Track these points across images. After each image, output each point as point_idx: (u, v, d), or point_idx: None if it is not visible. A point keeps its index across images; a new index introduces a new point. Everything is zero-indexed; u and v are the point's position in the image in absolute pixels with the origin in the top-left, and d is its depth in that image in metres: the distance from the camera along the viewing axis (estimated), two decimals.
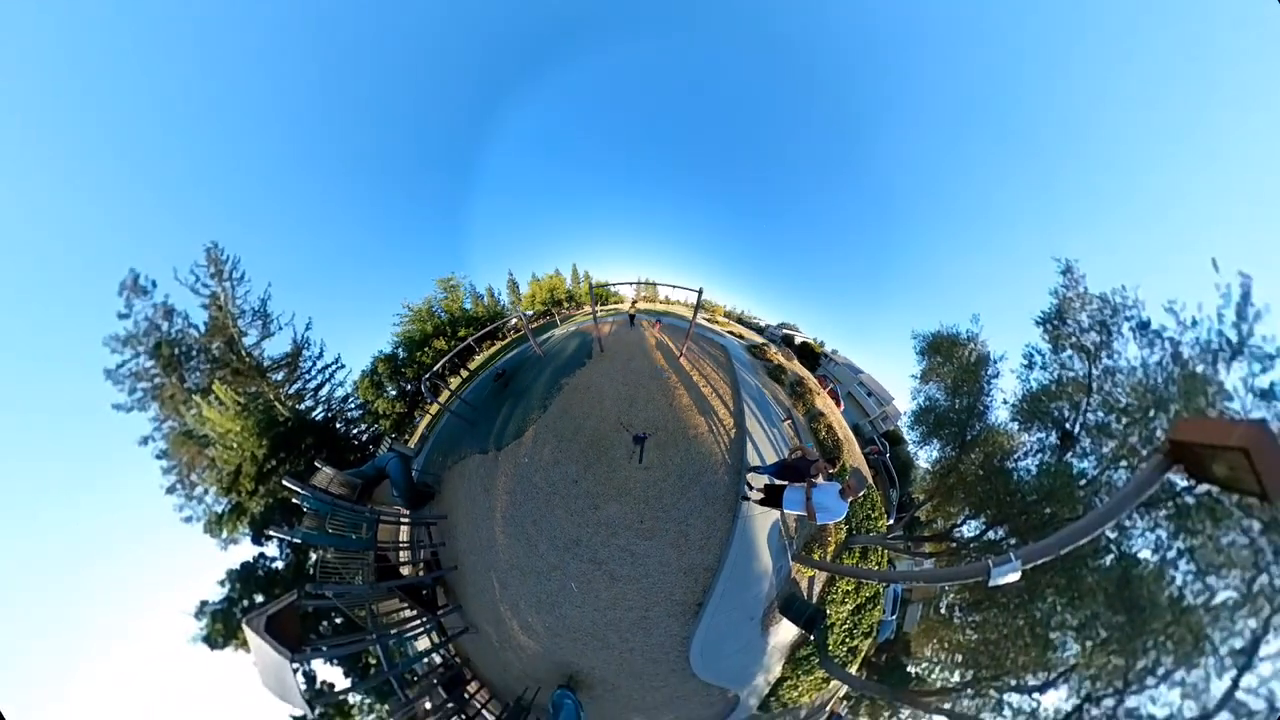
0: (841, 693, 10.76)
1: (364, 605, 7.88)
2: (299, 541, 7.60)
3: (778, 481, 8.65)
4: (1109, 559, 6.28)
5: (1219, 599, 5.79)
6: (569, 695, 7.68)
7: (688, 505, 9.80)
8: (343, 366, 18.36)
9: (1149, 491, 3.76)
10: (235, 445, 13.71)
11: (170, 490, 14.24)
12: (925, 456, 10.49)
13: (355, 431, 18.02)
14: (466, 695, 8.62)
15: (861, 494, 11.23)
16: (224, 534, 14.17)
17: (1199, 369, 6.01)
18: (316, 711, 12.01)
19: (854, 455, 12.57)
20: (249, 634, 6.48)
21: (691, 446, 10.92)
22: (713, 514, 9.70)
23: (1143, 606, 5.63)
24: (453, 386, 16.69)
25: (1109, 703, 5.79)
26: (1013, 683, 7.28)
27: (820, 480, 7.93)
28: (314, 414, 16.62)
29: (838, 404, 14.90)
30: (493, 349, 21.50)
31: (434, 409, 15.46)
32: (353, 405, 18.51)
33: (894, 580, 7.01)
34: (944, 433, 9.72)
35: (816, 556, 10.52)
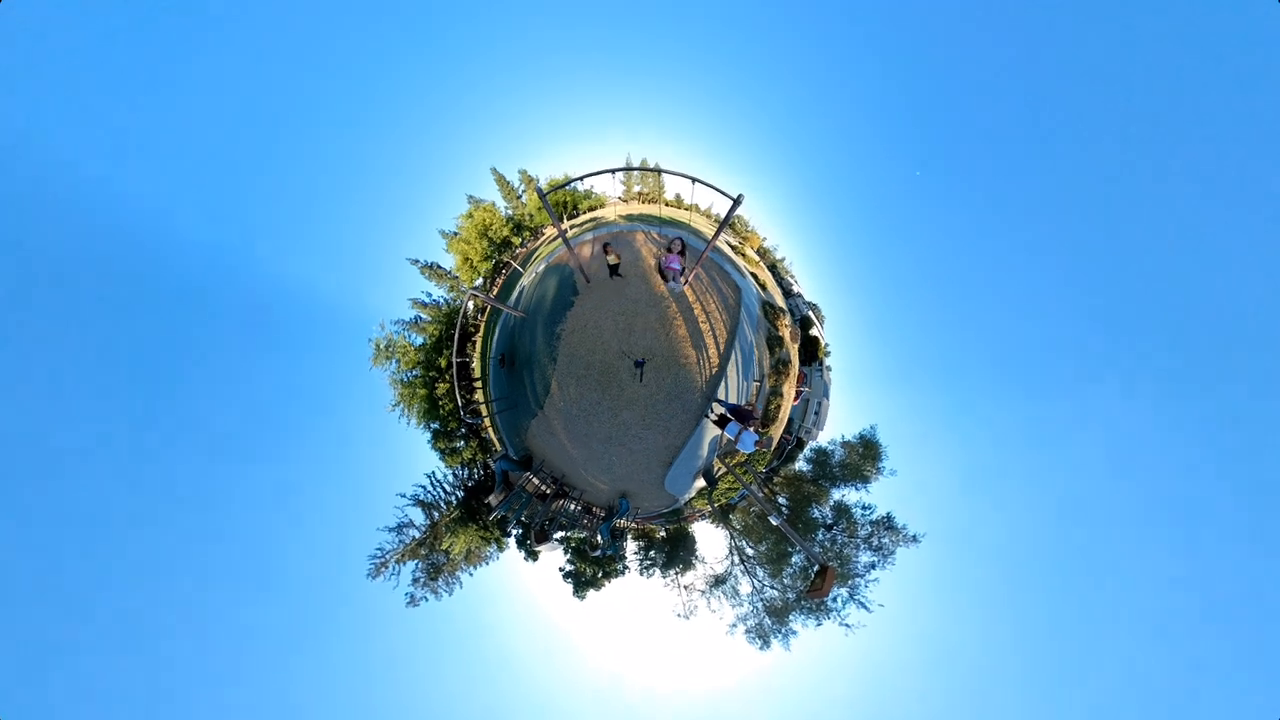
0: (709, 509, 21.48)
1: (548, 511, 17.06)
2: (516, 521, 17.16)
3: (728, 415, 12.93)
4: (789, 550, 15.52)
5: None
6: (624, 499, 17.67)
7: (671, 412, 14.77)
8: (431, 473, 23.20)
9: (807, 555, 12.13)
10: (470, 536, 22.56)
11: (485, 566, 24.14)
12: (800, 465, 18.71)
13: (478, 476, 24.58)
14: (595, 513, 18.59)
15: (764, 450, 19.61)
16: (502, 544, 24.13)
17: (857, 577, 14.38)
18: (564, 544, 23.50)
19: (777, 430, 20.29)
20: (539, 548, 17.30)
21: (680, 373, 14.03)
22: (685, 419, 15.14)
23: (780, 566, 15.20)
24: (480, 399, 20.60)
25: (756, 571, 16.19)
26: (742, 540, 17.45)
27: (751, 429, 12.38)
28: (459, 498, 23.89)
29: (794, 398, 21.18)
30: (479, 342, 21.90)
31: (487, 423, 20.93)
32: (462, 472, 24.35)
33: (747, 488, 15.75)
34: (815, 469, 17.87)
35: (727, 460, 17.91)
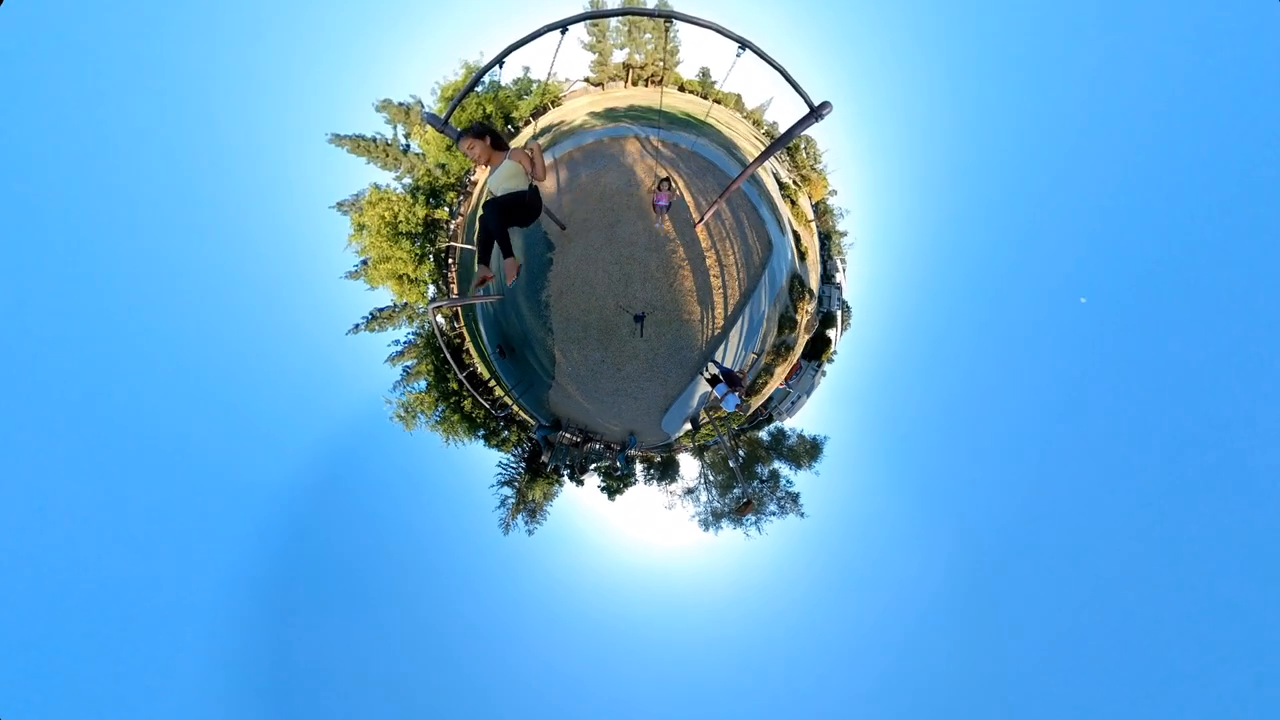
0: (691, 445, 27.15)
1: (582, 454, 20.96)
2: (564, 465, 20.74)
3: (720, 377, 13.93)
4: (734, 484, 21.63)
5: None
6: (633, 435, 20.48)
7: (669, 366, 15.04)
8: (499, 461, 26.97)
9: (743, 490, 18.60)
10: (541, 486, 26.37)
11: (556, 498, 28.93)
12: (762, 434, 23.79)
13: (529, 447, 27.48)
14: (613, 447, 21.01)
15: (741, 413, 24.52)
16: (561, 482, 27.65)
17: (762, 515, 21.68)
18: (597, 471, 27.45)
19: (756, 402, 24.64)
20: (582, 477, 24.32)
21: (682, 329, 13.38)
22: (681, 373, 15.59)
23: (726, 492, 21.37)
24: (500, 392, 22.46)
25: (712, 491, 22.43)
26: (708, 470, 23.57)
27: (737, 394, 13.76)
28: (524, 467, 27.58)
29: (781, 382, 24.52)
30: (471, 346, 22.04)
31: (516, 408, 24.15)
32: (517, 450, 27.47)
33: (720, 437, 21.38)
34: (771, 441, 23.59)
35: (710, 412, 20.05)
